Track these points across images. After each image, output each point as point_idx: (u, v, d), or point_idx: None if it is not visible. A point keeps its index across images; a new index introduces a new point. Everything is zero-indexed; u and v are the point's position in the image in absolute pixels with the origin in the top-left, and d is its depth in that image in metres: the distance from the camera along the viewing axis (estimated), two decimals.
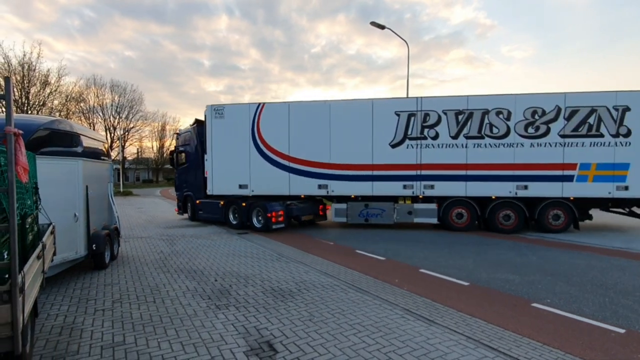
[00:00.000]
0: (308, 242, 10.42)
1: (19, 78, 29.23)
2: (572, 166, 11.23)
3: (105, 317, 5.03)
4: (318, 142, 12.60)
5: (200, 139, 14.16)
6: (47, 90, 31.41)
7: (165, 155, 55.80)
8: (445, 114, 11.92)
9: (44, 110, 30.70)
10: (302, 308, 5.25)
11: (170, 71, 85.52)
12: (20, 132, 2.56)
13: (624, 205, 11.74)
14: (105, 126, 46.63)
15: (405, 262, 8.10)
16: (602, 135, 11.04)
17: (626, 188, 10.98)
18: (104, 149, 8.78)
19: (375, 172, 12.37)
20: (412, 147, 12.14)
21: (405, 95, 17.20)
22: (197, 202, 14.79)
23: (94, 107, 44.94)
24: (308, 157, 12.73)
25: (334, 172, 12.59)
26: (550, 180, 11.37)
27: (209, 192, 13.66)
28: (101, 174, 8.18)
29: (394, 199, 12.61)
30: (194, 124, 14.69)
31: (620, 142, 10.96)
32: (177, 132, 17.77)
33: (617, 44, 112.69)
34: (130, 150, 56.58)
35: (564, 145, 11.27)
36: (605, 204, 11.78)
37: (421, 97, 12.18)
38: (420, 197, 12.25)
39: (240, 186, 13.10)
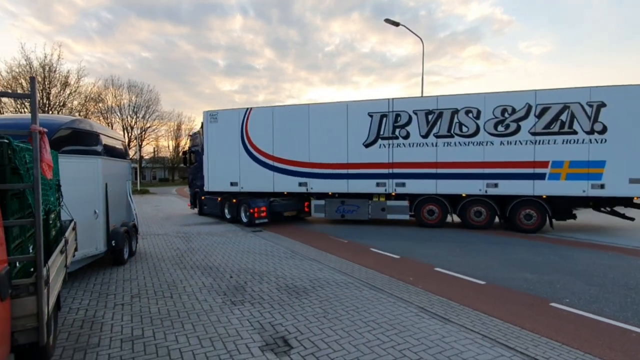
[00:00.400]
0: (322, 240, 10.44)
1: (40, 79, 30.05)
2: (544, 164, 11.10)
3: (125, 311, 5.16)
4: (299, 143, 13.37)
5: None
6: (67, 91, 32.24)
7: (181, 154, 56.73)
8: (416, 114, 12.25)
9: (64, 111, 31.53)
10: (316, 305, 5.27)
11: (186, 71, 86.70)
12: (45, 130, 2.65)
13: (605, 204, 11.40)
14: (123, 126, 47.60)
15: (420, 260, 8.04)
16: (575, 132, 10.80)
17: (602, 186, 10.64)
18: (122, 148, 8.98)
19: (350, 171, 12.96)
20: (385, 146, 12.60)
21: (420, 94, 17.11)
22: (202, 198, 16.35)
23: (112, 107, 45.93)
24: (290, 157, 13.58)
25: (313, 171, 13.32)
26: (521, 179, 11.33)
27: (205, 189, 15.03)
28: (120, 172, 8.36)
29: (369, 196, 13.04)
30: (202, 126, 15.48)
31: (595, 139, 10.63)
32: (190, 133, 19.67)
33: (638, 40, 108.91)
34: (147, 150, 57.66)
35: (535, 143, 11.16)
36: (586, 203, 11.46)
37: (392, 98, 12.55)
38: (393, 194, 12.68)
39: (232, 184, 14.27)
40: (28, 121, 4.27)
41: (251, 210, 13.15)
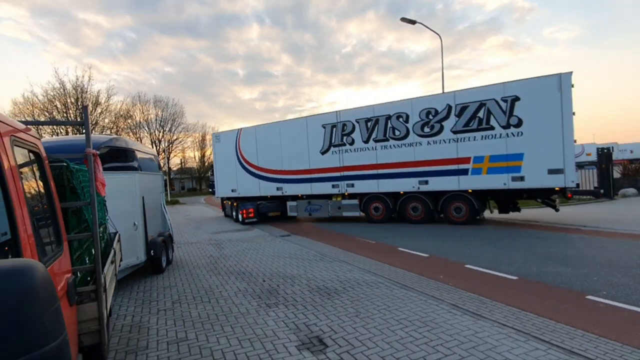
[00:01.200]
0: (349, 242, 10.57)
1: (73, 100, 31.78)
2: (466, 160, 11.75)
3: (168, 316, 5.48)
4: (275, 155, 15.76)
5: None
6: (99, 110, 33.88)
7: (206, 164, 58.21)
8: (358, 122, 13.73)
9: (96, 129, 33.12)
10: (348, 305, 5.41)
11: (207, 83, 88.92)
12: (98, 152, 2.95)
13: (537, 195, 11.61)
14: (151, 140, 49.33)
15: (450, 258, 8.03)
16: (492, 128, 11.23)
17: (522, 178, 10.92)
18: (155, 162, 9.44)
19: (312, 176, 14.95)
20: (336, 152, 14.34)
21: (440, 90, 17.22)
22: (223, 202, 20.10)
23: (140, 122, 47.73)
24: (270, 167, 16.07)
25: (286, 177, 15.65)
26: (447, 175, 12.12)
27: (216, 195, 18.76)
28: (154, 185, 8.81)
29: (329, 196, 14.85)
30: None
31: (512, 133, 10.97)
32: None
33: None
34: (175, 161, 59.48)
35: (457, 141, 11.86)
36: (520, 195, 11.67)
37: (339, 111, 14.26)
38: (346, 194, 14.37)
39: (232, 190, 17.38)
40: (78, 143, 4.65)
41: (240, 212, 16.17)
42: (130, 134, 44.31)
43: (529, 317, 4.68)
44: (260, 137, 16.27)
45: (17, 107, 31.11)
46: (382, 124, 13.19)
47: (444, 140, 12.07)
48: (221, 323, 5.05)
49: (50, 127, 30.17)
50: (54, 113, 31.08)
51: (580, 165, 21.82)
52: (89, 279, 3.33)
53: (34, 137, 2.44)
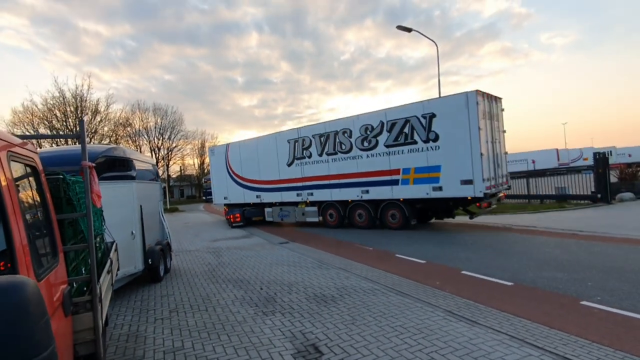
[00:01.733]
0: (348, 249, 10.59)
1: (73, 109, 31.90)
2: (397, 171, 12.96)
3: (165, 325, 5.50)
4: (254, 166, 17.73)
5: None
6: (98, 118, 33.98)
7: (206, 171, 58.22)
8: (314, 137, 15.29)
9: (95, 137, 33.20)
10: (344, 312, 5.44)
11: (207, 90, 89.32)
12: (94, 165, 3.00)
13: (460, 204, 12.48)
14: (151, 147, 49.39)
15: (446, 264, 8.06)
16: (415, 142, 12.39)
17: (440, 188, 11.99)
18: (153, 171, 9.49)
19: (282, 185, 16.67)
20: (298, 165, 15.97)
21: (437, 95, 17.42)
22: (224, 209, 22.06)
23: (139, 130, 47.84)
24: (250, 177, 18.01)
25: (263, 186, 17.49)
26: (383, 185, 13.35)
27: (213, 203, 21.55)
28: (152, 194, 8.86)
29: (296, 204, 16.43)
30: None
31: (431, 147, 12.04)
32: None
33: None
34: (174, 169, 59.52)
35: (389, 154, 13.08)
36: (447, 203, 12.56)
37: (300, 127, 16.02)
38: (307, 202, 15.92)
39: (224, 198, 19.46)
40: (75, 154, 4.70)
41: (228, 217, 18.78)
42: (130, 141, 44.37)
43: (523, 323, 4.71)
44: (242, 151, 18.40)
45: (17, 116, 31.24)
46: (332, 139, 14.75)
47: (379, 154, 13.35)
48: (217, 332, 5.07)
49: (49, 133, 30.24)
50: (54, 122, 31.20)
51: (577, 170, 21.95)
52: (85, 289, 3.37)
53: (30, 151, 2.50)
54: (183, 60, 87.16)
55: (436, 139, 11.83)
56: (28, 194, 2.33)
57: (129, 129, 42.86)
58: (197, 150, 62.06)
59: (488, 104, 11.98)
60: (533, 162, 38.48)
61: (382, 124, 13.08)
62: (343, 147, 14.33)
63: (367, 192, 13.79)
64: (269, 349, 4.42)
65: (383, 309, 5.48)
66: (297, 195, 16.12)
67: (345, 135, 14.22)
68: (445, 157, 11.67)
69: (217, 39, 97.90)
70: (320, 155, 15.10)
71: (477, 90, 11.13)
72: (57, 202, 3.05)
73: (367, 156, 13.61)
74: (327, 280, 7.31)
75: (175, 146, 52.97)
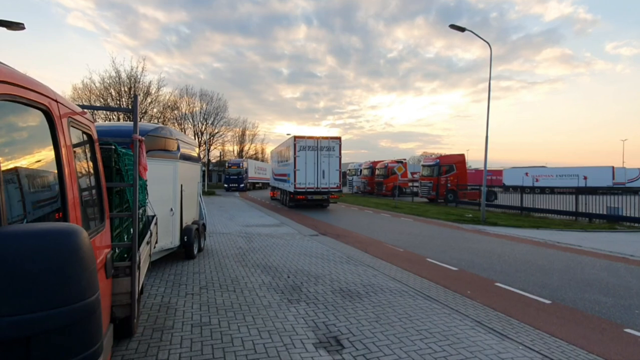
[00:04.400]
0: (378, 247, 10.48)
1: (126, 89, 33.76)
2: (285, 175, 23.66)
3: (194, 300, 5.71)
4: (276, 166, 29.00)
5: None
6: (148, 100, 35.77)
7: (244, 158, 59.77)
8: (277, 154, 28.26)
9: (145, 118, 34.94)
10: (369, 309, 5.39)
11: (252, 80, 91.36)
12: (143, 138, 3.16)
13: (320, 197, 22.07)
14: (194, 131, 51.33)
15: (480, 274, 7.77)
16: (287, 160, 23.61)
17: (288, 186, 22.61)
18: (195, 153, 9.84)
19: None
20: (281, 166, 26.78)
21: (487, 100, 17.05)
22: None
23: (185, 114, 49.84)
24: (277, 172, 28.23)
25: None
26: (285, 182, 23.79)
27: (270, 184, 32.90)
28: (193, 175, 9.19)
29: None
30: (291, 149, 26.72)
31: (287, 164, 22.61)
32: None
33: None
34: (214, 154, 61.49)
35: (283, 166, 25.08)
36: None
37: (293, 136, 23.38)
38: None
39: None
40: (127, 129, 4.95)
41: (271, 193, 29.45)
42: (176, 124, 46.32)
43: (558, 343, 4.45)
44: (273, 156, 28.93)
45: (76, 92, 33.53)
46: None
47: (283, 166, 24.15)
48: (243, 312, 5.20)
49: (104, 113, 32.21)
50: (108, 100, 33.16)
51: (634, 191, 20.31)
52: (125, 255, 3.56)
53: (88, 120, 2.66)
54: (232, 49, 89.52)
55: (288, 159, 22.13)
56: (83, 159, 2.48)
57: (176, 112, 44.77)
58: (237, 138, 63.81)
59: (313, 143, 20.94)
60: (585, 178, 36.05)
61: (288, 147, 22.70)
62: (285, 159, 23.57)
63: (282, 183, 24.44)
64: (292, 335, 4.47)
65: (409, 311, 5.38)
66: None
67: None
68: (291, 170, 21.10)
69: (266, 29, 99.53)
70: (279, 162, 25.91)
71: (295, 136, 20.93)
72: (107, 171, 3.24)
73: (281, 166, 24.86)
74: (354, 276, 7.27)
75: (217, 132, 54.73)
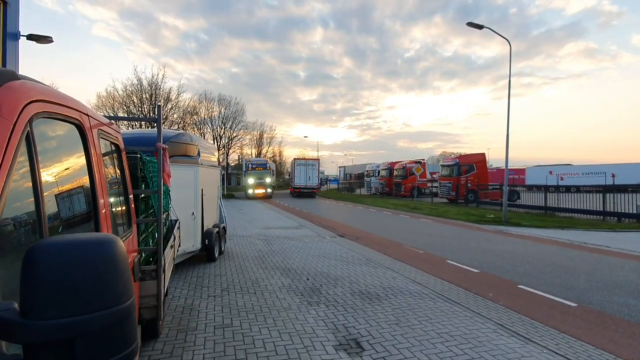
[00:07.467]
0: (397, 249, 10.43)
1: (148, 96, 34.72)
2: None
3: (216, 302, 5.84)
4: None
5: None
6: (169, 106, 36.63)
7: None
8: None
9: (165, 124, 35.82)
10: (389, 312, 5.39)
11: (270, 83, 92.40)
12: (167, 147, 3.28)
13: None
14: (213, 136, 52.17)
15: (502, 276, 7.63)
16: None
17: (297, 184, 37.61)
18: (215, 157, 10.05)
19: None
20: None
21: (507, 96, 16.44)
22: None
23: (204, 119, 50.77)
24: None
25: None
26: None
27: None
28: (213, 179, 9.39)
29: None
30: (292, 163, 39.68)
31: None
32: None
33: None
34: (233, 157, 62.37)
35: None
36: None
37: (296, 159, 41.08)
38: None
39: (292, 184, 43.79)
40: (150, 137, 5.11)
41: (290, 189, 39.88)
42: (195, 129, 47.22)
43: (585, 347, 4.34)
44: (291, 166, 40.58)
45: (100, 100, 34.71)
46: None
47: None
48: (264, 314, 5.29)
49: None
50: (131, 107, 34.18)
51: None
52: (151, 259, 3.69)
53: (115, 130, 2.79)
54: (250, 54, 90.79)
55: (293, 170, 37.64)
56: (111, 168, 2.60)
57: (195, 117, 45.63)
58: (255, 141, 64.48)
59: (304, 162, 37.64)
60: (613, 175, 34.76)
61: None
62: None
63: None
64: (312, 337, 4.52)
65: (430, 313, 5.35)
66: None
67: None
68: (293, 176, 37.18)
69: (283, 33, 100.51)
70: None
71: (295, 159, 38.62)
72: (133, 179, 3.38)
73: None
74: (373, 278, 7.27)
75: (236, 135, 55.40)
